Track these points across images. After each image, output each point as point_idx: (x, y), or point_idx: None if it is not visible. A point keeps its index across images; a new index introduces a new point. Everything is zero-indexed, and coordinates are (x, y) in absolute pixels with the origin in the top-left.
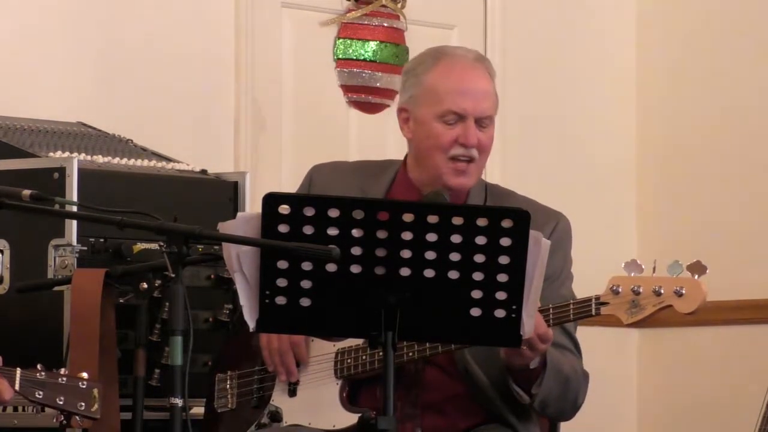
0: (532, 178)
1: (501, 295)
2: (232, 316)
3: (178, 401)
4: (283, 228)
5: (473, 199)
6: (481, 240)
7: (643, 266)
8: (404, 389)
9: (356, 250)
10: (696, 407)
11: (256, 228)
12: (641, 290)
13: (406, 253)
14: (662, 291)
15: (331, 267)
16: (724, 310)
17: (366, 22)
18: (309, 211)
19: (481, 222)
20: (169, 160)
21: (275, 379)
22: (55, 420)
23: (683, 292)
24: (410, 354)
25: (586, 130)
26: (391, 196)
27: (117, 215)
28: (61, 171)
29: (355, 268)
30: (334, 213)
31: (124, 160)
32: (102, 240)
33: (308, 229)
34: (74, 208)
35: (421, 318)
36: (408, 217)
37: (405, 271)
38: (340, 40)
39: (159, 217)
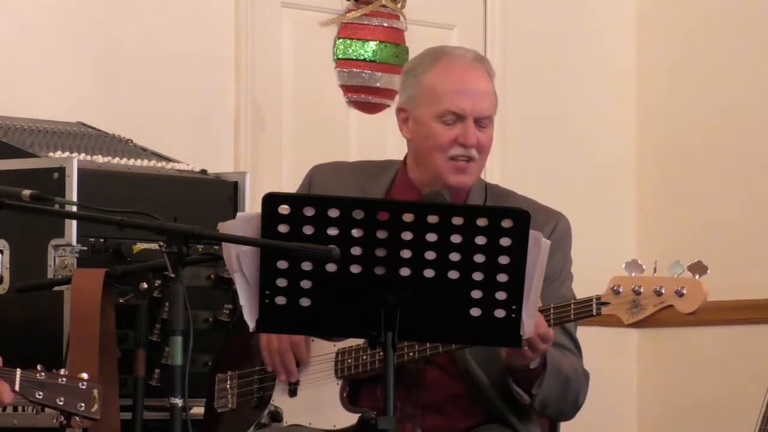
0: (532, 178)
1: (501, 295)
2: (232, 316)
3: (178, 401)
4: (283, 228)
5: (473, 199)
6: (481, 240)
7: (643, 266)
8: (405, 389)
9: (356, 250)
10: (696, 407)
11: (256, 228)
12: (642, 290)
13: (406, 253)
14: (663, 291)
15: (331, 267)
16: (724, 310)
17: (366, 22)
18: (309, 211)
19: (481, 222)
20: (169, 160)
21: (275, 379)
22: (55, 420)
23: (684, 292)
24: (411, 354)
25: (586, 130)
26: (391, 196)
27: (117, 215)
28: (61, 171)
29: (355, 268)
30: (334, 213)
31: (124, 160)
32: (102, 240)
33: (308, 229)
34: (74, 208)
35: (421, 318)
36: (408, 217)
37: (405, 271)
38: (340, 40)
39: (159, 217)
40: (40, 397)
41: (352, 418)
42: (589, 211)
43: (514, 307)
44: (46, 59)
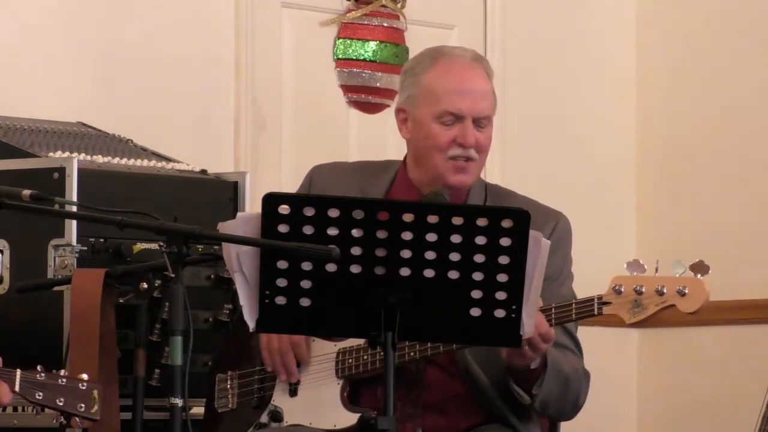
0: (532, 178)
1: (501, 295)
2: (232, 316)
3: (178, 401)
4: (283, 228)
5: (473, 199)
6: (481, 240)
7: (645, 266)
8: (405, 389)
9: (356, 250)
10: (696, 407)
11: (256, 228)
12: (644, 290)
13: (406, 253)
14: (665, 290)
15: (331, 267)
16: (725, 310)
17: (366, 22)
18: (309, 211)
19: (481, 222)
20: (169, 160)
21: (276, 379)
22: (54, 421)
23: (686, 291)
24: (411, 354)
25: (586, 130)
26: (391, 196)
27: (117, 215)
28: (61, 171)
29: (355, 268)
30: (334, 213)
31: (124, 160)
32: (102, 240)
33: (308, 229)
34: (74, 208)
35: (421, 318)
36: (408, 217)
37: (405, 271)
38: (340, 40)
39: (159, 217)
40: (40, 397)
41: (352, 418)
42: (589, 211)
43: (514, 307)
44: (46, 59)
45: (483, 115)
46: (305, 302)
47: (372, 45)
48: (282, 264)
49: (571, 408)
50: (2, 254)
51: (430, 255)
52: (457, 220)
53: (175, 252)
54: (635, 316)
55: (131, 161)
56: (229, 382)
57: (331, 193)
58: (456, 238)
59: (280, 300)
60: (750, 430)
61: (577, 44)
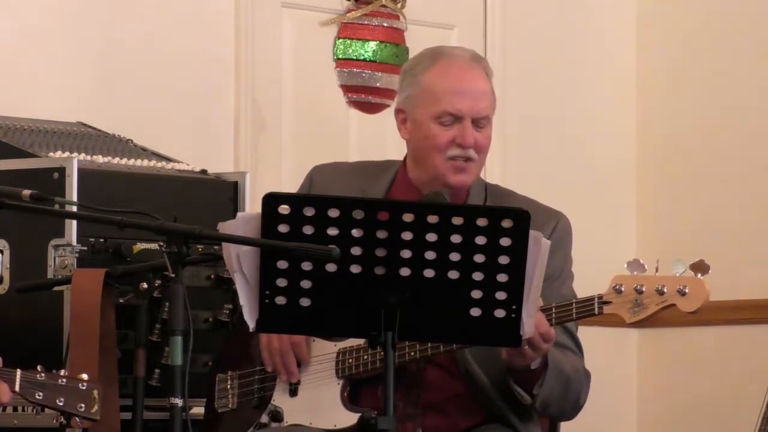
0: (532, 178)
1: (501, 295)
2: (232, 316)
3: (178, 401)
4: (283, 228)
5: (473, 199)
6: (481, 240)
7: (645, 265)
8: (405, 389)
9: (356, 250)
10: (696, 407)
11: (256, 228)
12: (644, 289)
13: (406, 253)
14: (665, 290)
15: (331, 267)
16: (724, 310)
17: (366, 22)
18: (309, 211)
19: (481, 222)
20: (169, 160)
21: (276, 378)
22: (54, 421)
23: (686, 290)
24: (411, 354)
25: (586, 130)
26: (391, 196)
27: (117, 215)
28: (61, 171)
29: (355, 268)
30: (334, 213)
31: (124, 160)
32: (102, 240)
33: (308, 229)
34: (74, 208)
35: (421, 318)
36: (408, 217)
37: (405, 271)
38: (340, 40)
39: (159, 217)
40: (40, 397)
41: (352, 418)
42: (589, 211)
43: (514, 307)
44: (46, 59)
45: (482, 115)
46: (305, 302)
47: (372, 45)
48: (282, 264)
49: (572, 408)
50: (2, 254)
51: (430, 255)
52: (457, 220)
53: (175, 252)
54: (635, 316)
55: (131, 161)
56: (229, 382)
57: (331, 193)
58: (456, 238)
59: (280, 300)
60: (750, 430)
61: (577, 44)
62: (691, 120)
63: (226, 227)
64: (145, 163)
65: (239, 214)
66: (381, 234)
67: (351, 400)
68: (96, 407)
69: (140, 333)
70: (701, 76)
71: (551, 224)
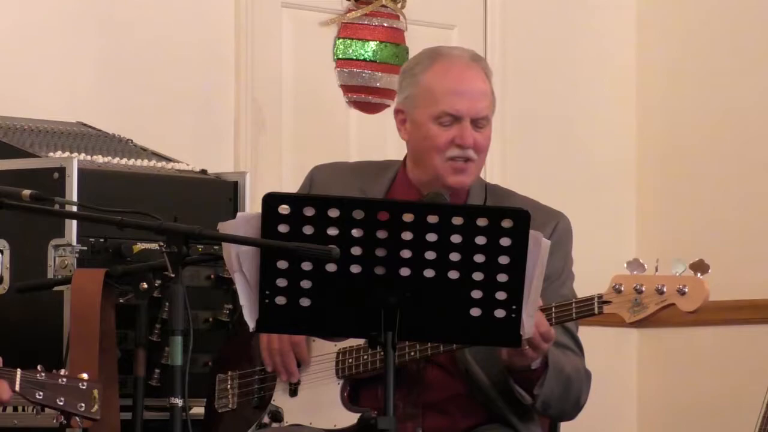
0: (532, 178)
1: (501, 295)
2: (232, 316)
3: (178, 401)
4: (283, 228)
5: (473, 199)
6: (481, 240)
7: (645, 265)
8: (405, 389)
9: (356, 250)
10: (696, 407)
11: (256, 228)
12: (644, 289)
13: (406, 253)
14: (665, 289)
15: (331, 267)
16: (724, 309)
17: (366, 22)
18: (309, 211)
19: (481, 222)
20: (169, 160)
21: (276, 379)
22: (55, 420)
23: (686, 290)
24: (411, 354)
25: (586, 130)
26: (391, 196)
27: (117, 215)
28: (61, 171)
29: (355, 268)
30: (334, 213)
31: (124, 160)
32: (102, 240)
33: (308, 229)
34: (74, 208)
35: (421, 318)
36: (408, 217)
37: (405, 271)
38: (340, 40)
39: (159, 217)
40: (40, 397)
41: (352, 418)
42: (589, 211)
43: (514, 307)
44: (46, 59)
45: (481, 116)
46: (305, 302)
47: (372, 45)
48: (282, 264)
49: (573, 408)
50: (2, 254)
51: (430, 255)
52: (457, 220)
53: (175, 252)
54: (635, 315)
55: (131, 161)
56: (229, 382)
57: (332, 193)
58: (456, 238)
59: (280, 300)
60: (750, 430)
61: (577, 44)
62: (691, 120)
63: (226, 227)
64: (145, 163)
65: (239, 214)
66: (381, 234)
67: (351, 400)
68: (96, 407)
69: (140, 333)
70: (701, 76)
71: (551, 224)
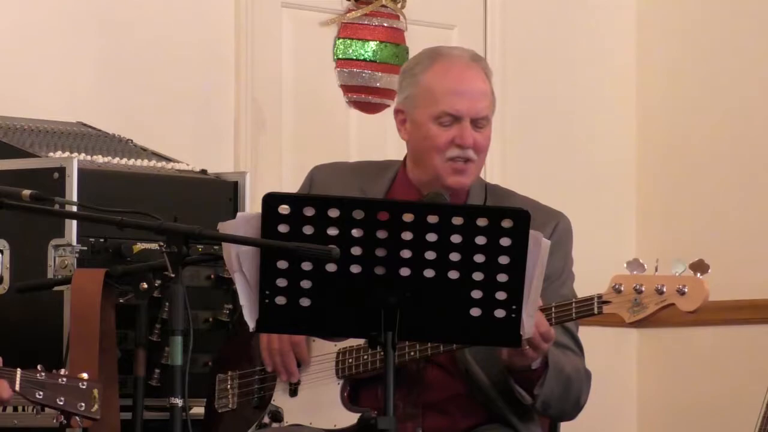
0: (532, 178)
1: (501, 295)
2: (232, 316)
3: (178, 401)
4: (283, 228)
5: (473, 199)
6: (481, 240)
7: (645, 265)
8: (405, 389)
9: (356, 250)
10: (696, 407)
11: (256, 228)
12: (644, 289)
13: (406, 253)
14: (665, 289)
15: (331, 267)
16: (724, 310)
17: (366, 22)
18: (309, 211)
19: (481, 222)
20: (169, 160)
21: (276, 379)
22: (55, 420)
23: (686, 290)
24: (411, 354)
25: (586, 130)
26: (391, 196)
27: (117, 215)
28: (61, 171)
29: (355, 268)
30: (334, 213)
31: (124, 160)
32: (102, 240)
33: (308, 229)
34: (74, 208)
35: (421, 318)
36: (408, 217)
37: (405, 271)
38: (340, 40)
39: (159, 217)
40: (41, 397)
41: (352, 418)
42: (589, 211)
43: (514, 307)
44: (46, 59)
45: (481, 116)
46: (305, 302)
47: (372, 45)
48: (282, 264)
49: (573, 408)
50: (2, 254)
51: (430, 255)
52: (457, 220)
53: (175, 252)
54: (635, 315)
55: (131, 161)
56: (229, 382)
57: (332, 193)
58: (456, 238)
59: (280, 300)
60: (750, 430)
61: (577, 44)
62: (691, 120)
63: (226, 227)
64: (145, 163)
65: (239, 214)
66: (381, 234)
67: (351, 400)
68: (96, 406)
69: (140, 333)
70: (701, 75)
71: (551, 224)
